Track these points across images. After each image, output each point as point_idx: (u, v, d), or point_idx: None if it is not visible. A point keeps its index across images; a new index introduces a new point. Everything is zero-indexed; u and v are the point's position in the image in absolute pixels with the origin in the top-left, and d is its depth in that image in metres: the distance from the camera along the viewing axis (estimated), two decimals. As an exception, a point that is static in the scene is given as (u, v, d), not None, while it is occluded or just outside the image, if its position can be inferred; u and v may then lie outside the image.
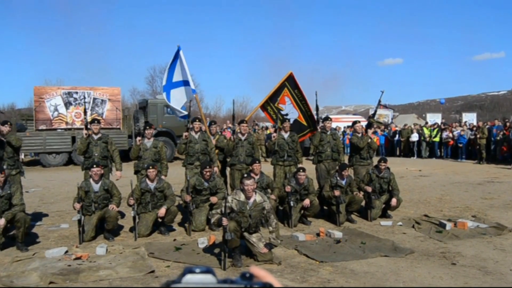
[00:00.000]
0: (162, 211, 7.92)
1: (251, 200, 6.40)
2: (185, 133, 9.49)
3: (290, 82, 11.12)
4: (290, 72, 11.16)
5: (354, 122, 10.63)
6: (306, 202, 8.57)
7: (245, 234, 6.45)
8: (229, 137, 9.88)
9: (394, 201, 9.13)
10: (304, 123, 11.17)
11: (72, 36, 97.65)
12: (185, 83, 10.54)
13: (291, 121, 10.59)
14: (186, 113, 10.61)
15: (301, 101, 11.10)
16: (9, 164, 8.54)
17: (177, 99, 10.67)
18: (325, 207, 9.49)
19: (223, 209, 6.18)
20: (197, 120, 9.66)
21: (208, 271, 0.97)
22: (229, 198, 6.39)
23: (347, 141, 24.31)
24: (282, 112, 11.01)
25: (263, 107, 11.18)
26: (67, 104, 21.79)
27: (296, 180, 8.71)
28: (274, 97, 11.10)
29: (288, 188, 8.59)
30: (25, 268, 6.09)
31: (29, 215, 7.64)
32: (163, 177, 8.80)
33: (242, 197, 6.40)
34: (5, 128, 8.55)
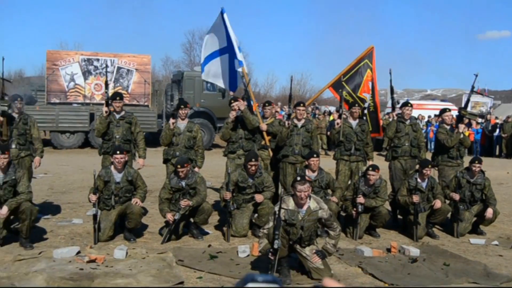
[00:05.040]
0: (184, 203, 7.90)
1: (304, 207, 6.37)
2: (232, 113, 9.31)
3: (371, 61, 10.72)
4: (372, 47, 10.78)
5: (443, 111, 10.37)
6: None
7: (297, 246, 6.46)
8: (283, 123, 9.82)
9: (489, 212, 8.94)
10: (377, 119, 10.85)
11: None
12: (222, 51, 10.60)
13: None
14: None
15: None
16: (19, 143, 8.89)
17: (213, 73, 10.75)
18: (399, 216, 9.40)
19: (270, 228, 6.17)
20: (234, 100, 9.54)
21: (274, 281, 0.98)
22: (276, 208, 6.27)
23: (430, 135, 23.96)
24: (365, 104, 10.59)
25: (334, 88, 10.71)
26: (86, 74, 22.30)
27: (366, 181, 8.64)
28: (353, 82, 10.66)
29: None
30: (29, 269, 6.30)
31: (36, 205, 7.90)
32: (196, 169, 8.87)
33: (292, 204, 6.36)
34: (19, 105, 9.06)
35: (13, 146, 8.71)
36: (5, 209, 7.26)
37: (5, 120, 8.55)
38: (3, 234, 7.38)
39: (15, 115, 8.92)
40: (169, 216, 7.82)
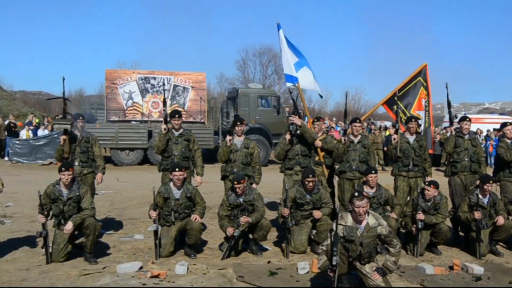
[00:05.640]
0: (244, 220, 7.96)
1: (363, 224, 6.31)
2: (288, 135, 9.38)
3: (425, 79, 10.71)
4: (425, 65, 10.77)
5: (504, 125, 10.13)
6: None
7: (357, 263, 6.40)
8: (339, 139, 9.79)
9: (555, 229, 8.67)
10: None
11: (151, 13, 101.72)
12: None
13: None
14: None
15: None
16: (82, 160, 9.15)
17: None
18: (461, 233, 9.22)
19: (329, 245, 6.10)
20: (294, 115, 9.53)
21: None
22: (333, 225, 6.19)
23: (490, 149, 23.50)
24: (420, 122, 10.48)
25: (388, 105, 10.76)
26: (143, 92, 22.81)
27: (423, 196, 8.53)
28: (407, 99, 10.68)
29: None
30: (94, 283, 6.48)
31: (99, 221, 8.09)
32: (254, 186, 8.94)
33: (350, 220, 6.31)
34: (80, 123, 9.37)
35: (76, 163, 8.98)
36: (70, 225, 7.46)
37: (68, 138, 8.83)
38: (68, 249, 7.59)
39: (77, 134, 9.18)
40: (230, 230, 7.89)
